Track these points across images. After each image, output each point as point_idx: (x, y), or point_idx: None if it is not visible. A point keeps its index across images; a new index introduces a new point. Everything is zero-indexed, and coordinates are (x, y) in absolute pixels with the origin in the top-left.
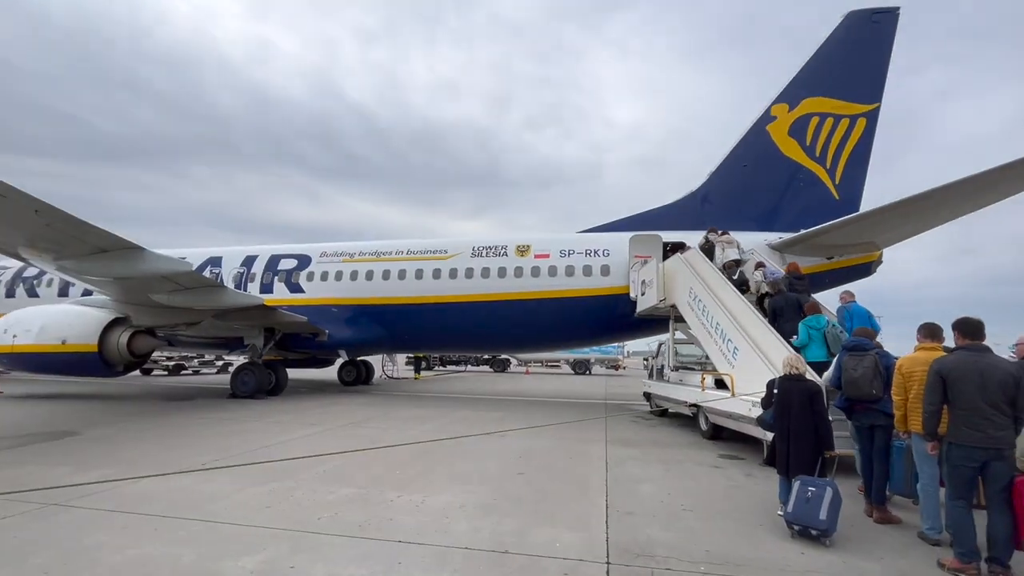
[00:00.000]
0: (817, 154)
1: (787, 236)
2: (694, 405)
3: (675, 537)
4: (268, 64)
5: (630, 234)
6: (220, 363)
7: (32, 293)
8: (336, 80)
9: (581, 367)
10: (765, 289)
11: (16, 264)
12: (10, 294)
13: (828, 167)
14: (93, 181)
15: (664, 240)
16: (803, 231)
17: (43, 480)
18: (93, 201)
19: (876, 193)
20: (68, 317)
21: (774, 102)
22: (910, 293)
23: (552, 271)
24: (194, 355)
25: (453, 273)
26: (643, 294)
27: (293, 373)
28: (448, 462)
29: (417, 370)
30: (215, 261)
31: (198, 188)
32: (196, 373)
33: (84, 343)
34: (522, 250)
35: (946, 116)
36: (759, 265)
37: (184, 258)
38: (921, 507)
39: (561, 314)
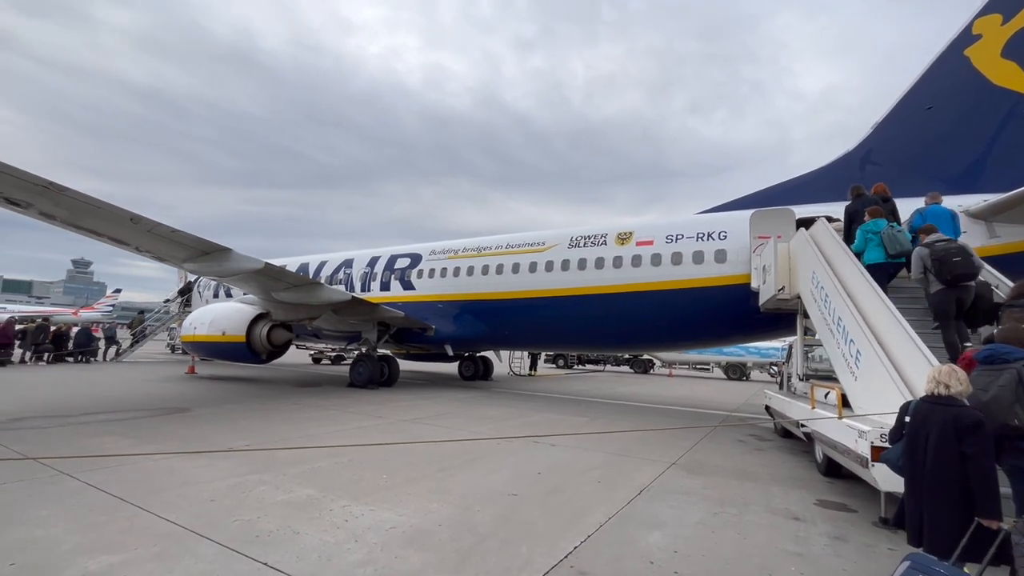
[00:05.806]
0: None
1: (996, 198)
2: (802, 425)
3: None
4: (441, 86)
5: (752, 211)
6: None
7: (228, 294)
8: (498, 92)
9: (736, 371)
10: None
11: None
12: (216, 295)
13: None
14: (315, 204)
15: (799, 216)
16: None
17: (88, 450)
18: (316, 220)
19: None
20: (228, 312)
21: (978, 15)
22: None
23: (655, 259)
24: (355, 348)
25: (549, 266)
26: (764, 283)
27: (422, 366)
28: (452, 471)
29: (533, 366)
30: (348, 263)
31: (389, 203)
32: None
33: (236, 335)
34: (623, 237)
35: None
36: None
37: (324, 262)
38: None
39: (664, 309)
